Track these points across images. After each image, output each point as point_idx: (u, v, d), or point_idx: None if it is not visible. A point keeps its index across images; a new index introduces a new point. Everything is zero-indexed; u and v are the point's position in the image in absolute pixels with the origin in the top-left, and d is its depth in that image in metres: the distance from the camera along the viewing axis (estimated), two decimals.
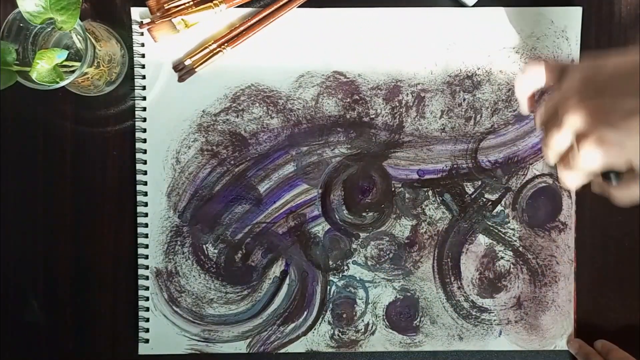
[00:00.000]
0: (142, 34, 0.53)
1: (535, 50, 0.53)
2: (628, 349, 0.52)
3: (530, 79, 0.42)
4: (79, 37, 0.49)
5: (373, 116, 0.54)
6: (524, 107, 0.43)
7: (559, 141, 0.38)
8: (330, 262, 0.54)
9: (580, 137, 0.36)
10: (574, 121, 0.37)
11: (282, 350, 0.54)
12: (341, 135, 0.54)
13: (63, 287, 0.54)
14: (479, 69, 0.53)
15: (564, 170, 0.39)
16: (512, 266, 0.54)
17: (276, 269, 0.54)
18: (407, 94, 0.53)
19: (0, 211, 0.53)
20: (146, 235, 0.53)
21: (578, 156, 0.37)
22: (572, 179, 0.39)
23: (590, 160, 0.37)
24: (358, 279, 0.54)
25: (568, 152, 0.38)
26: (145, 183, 0.53)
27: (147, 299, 0.54)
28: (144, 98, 0.53)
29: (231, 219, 0.54)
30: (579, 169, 0.38)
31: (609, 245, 0.54)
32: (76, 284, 0.54)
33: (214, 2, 0.52)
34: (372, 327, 0.54)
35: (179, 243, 0.54)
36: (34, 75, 0.45)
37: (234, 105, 0.53)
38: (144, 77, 0.53)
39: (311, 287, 0.54)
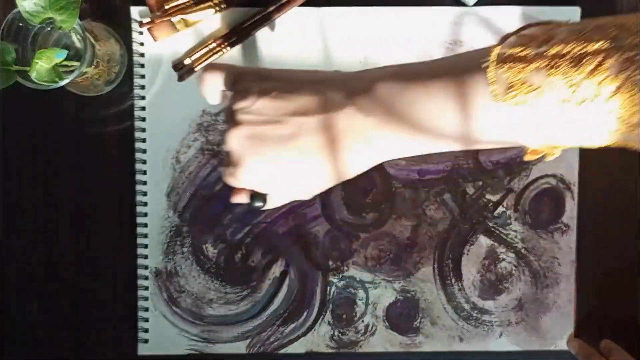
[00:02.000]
0: (141, 33, 0.53)
1: None
2: (628, 350, 0.51)
3: (208, 85, 0.40)
4: (78, 36, 0.49)
5: None
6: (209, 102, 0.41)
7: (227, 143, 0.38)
8: (330, 263, 0.54)
9: (235, 156, 0.37)
10: (232, 140, 0.37)
11: (282, 351, 0.54)
12: None
13: (63, 287, 0.54)
14: None
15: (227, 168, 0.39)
16: (514, 268, 0.54)
17: (276, 270, 0.54)
18: None
19: (0, 211, 0.53)
20: (145, 235, 0.53)
21: (235, 170, 0.37)
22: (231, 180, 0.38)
23: (241, 179, 0.37)
24: (358, 279, 0.54)
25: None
26: (145, 183, 0.53)
27: (146, 299, 0.53)
28: (144, 97, 0.53)
29: (231, 219, 0.54)
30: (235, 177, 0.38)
31: (609, 246, 0.54)
32: (76, 284, 0.54)
33: (214, 1, 0.51)
34: (372, 327, 0.54)
35: (178, 243, 0.54)
36: (33, 75, 0.45)
37: None
38: (143, 76, 0.53)
39: (311, 288, 0.54)
